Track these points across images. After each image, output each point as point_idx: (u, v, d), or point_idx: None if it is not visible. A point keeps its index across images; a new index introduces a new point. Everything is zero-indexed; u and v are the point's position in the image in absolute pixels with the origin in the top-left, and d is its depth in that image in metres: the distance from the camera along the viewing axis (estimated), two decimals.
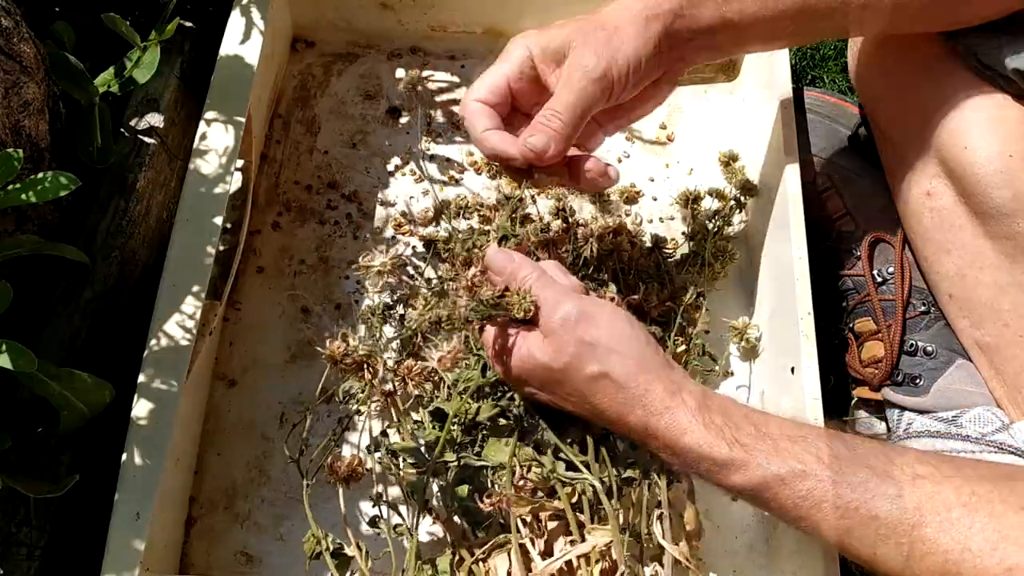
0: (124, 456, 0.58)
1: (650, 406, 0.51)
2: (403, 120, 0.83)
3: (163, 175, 0.73)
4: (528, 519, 0.57)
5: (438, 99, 0.84)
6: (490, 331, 0.56)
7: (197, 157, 0.68)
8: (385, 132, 0.83)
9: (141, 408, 0.59)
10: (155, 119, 0.72)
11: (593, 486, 0.55)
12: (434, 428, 0.61)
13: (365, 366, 0.60)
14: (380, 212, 0.78)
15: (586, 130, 0.59)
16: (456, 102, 0.84)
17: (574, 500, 0.56)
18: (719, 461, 0.50)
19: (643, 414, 0.51)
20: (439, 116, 0.84)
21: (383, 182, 0.80)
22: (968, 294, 0.71)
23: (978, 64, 0.67)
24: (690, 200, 0.74)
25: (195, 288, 0.63)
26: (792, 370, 0.65)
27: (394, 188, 0.80)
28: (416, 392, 0.61)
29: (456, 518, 0.62)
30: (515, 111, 0.61)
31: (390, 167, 0.81)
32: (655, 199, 0.80)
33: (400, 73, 0.85)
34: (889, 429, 0.75)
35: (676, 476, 0.58)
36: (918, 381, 0.73)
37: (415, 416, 0.64)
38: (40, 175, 0.54)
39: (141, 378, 0.60)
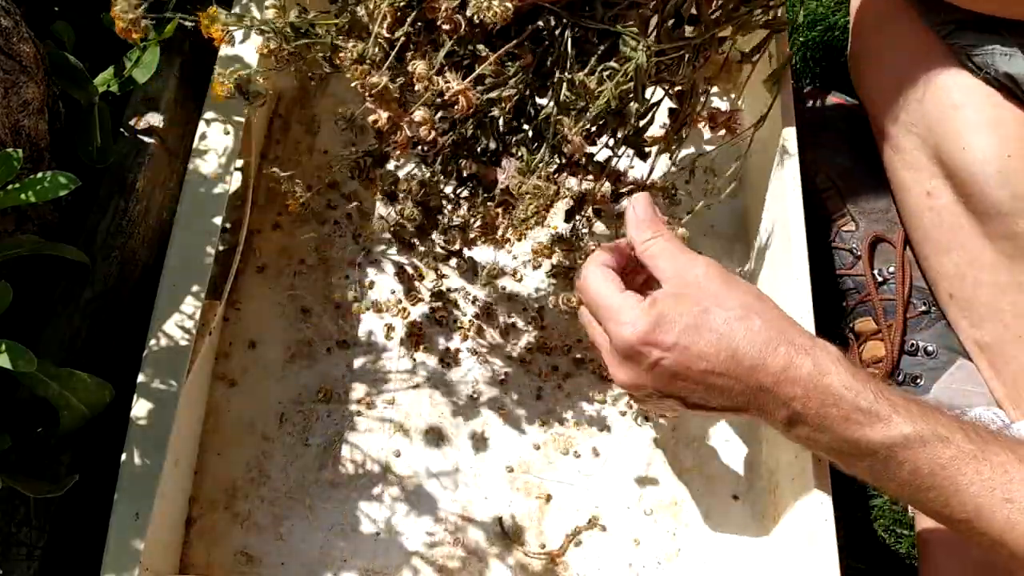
0: (124, 456, 0.58)
1: (795, 342, 0.49)
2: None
3: (163, 175, 0.73)
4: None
5: None
6: (606, 284, 0.53)
7: (197, 157, 0.68)
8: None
9: (141, 408, 0.59)
10: (155, 119, 0.72)
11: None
12: None
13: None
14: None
15: None
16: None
17: None
18: (863, 408, 0.48)
19: (787, 352, 0.49)
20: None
21: None
22: (968, 294, 0.71)
23: (972, 66, 0.67)
24: None
25: (195, 288, 0.63)
26: None
27: None
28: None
29: None
30: None
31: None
32: None
33: None
34: None
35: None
36: (919, 381, 0.74)
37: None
38: (40, 175, 0.54)
39: (141, 378, 0.60)
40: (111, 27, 0.67)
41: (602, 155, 0.62)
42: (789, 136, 0.69)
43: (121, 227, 0.68)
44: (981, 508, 0.47)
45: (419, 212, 0.59)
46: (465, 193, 0.61)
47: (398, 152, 0.56)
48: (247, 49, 0.72)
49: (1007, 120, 0.67)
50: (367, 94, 0.53)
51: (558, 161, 0.59)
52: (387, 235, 0.59)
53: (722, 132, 0.63)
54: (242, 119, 0.69)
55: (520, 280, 0.75)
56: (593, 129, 0.60)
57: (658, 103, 0.63)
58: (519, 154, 0.56)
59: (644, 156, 0.64)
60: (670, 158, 0.65)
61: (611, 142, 0.61)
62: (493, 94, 0.55)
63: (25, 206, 0.59)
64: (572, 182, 0.63)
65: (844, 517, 0.62)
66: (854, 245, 0.79)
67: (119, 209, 0.69)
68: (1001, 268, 0.69)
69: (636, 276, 0.58)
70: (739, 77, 0.71)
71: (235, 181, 0.72)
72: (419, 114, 0.53)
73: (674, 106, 0.64)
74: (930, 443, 0.47)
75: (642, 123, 0.62)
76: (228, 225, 0.72)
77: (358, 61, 0.54)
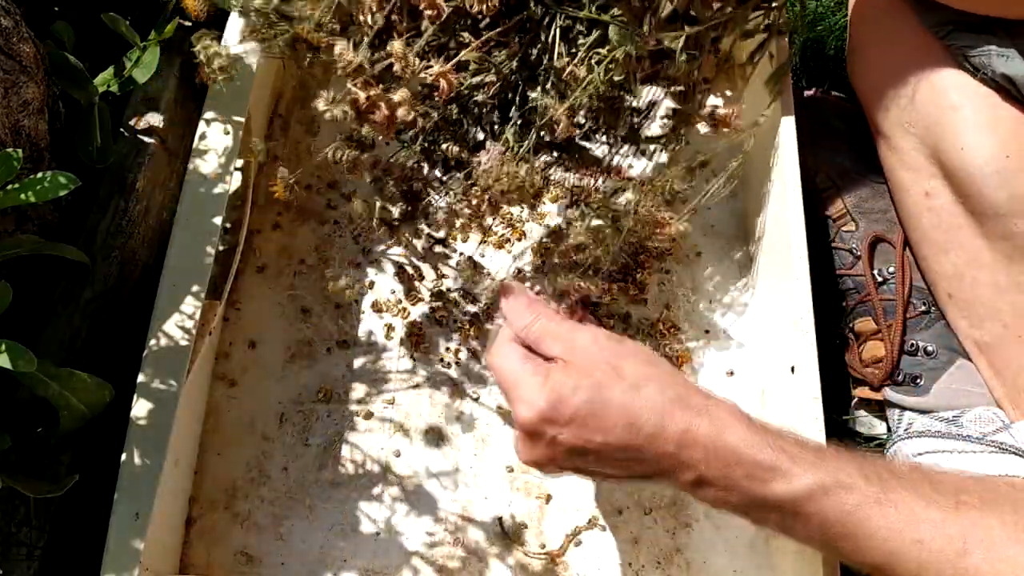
0: (124, 456, 0.58)
1: (692, 404, 0.49)
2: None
3: (163, 175, 0.73)
4: None
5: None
6: (508, 360, 0.52)
7: (197, 157, 0.68)
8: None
9: (141, 408, 0.59)
10: (155, 119, 0.72)
11: None
12: None
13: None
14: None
15: None
16: None
17: None
18: (763, 464, 0.47)
19: (683, 415, 0.48)
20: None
21: None
22: (967, 294, 0.71)
23: (970, 66, 0.67)
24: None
25: (195, 288, 0.63)
26: (792, 369, 0.65)
27: None
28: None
29: None
30: None
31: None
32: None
33: None
34: (889, 429, 0.75)
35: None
36: (919, 381, 0.74)
37: None
38: (40, 175, 0.54)
39: (141, 378, 0.60)
40: (111, 27, 0.67)
41: (602, 153, 0.62)
42: (789, 136, 0.69)
43: (121, 227, 0.68)
44: (893, 553, 0.46)
45: (401, 196, 0.59)
46: (447, 178, 0.60)
47: (381, 137, 0.56)
48: (247, 48, 0.72)
49: (1005, 121, 0.67)
50: (346, 74, 0.53)
51: (551, 152, 0.59)
52: (374, 221, 0.59)
53: (725, 130, 0.63)
54: (242, 119, 0.69)
55: (521, 280, 0.75)
56: (587, 124, 0.60)
57: (657, 103, 0.63)
58: (503, 139, 0.56)
59: (644, 153, 0.64)
60: (668, 158, 0.65)
61: (609, 139, 0.61)
62: (476, 79, 0.55)
63: (25, 206, 0.59)
64: (570, 178, 0.63)
65: None
66: (854, 245, 0.79)
67: (119, 209, 0.69)
68: (1000, 268, 0.69)
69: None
70: (740, 76, 0.70)
71: (235, 181, 0.72)
72: (399, 95, 0.53)
73: (674, 105, 0.64)
74: (832, 492, 0.47)
75: (639, 120, 0.62)
76: (228, 225, 0.72)
77: (335, 37, 0.54)
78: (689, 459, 0.48)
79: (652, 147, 0.64)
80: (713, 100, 0.68)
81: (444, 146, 0.57)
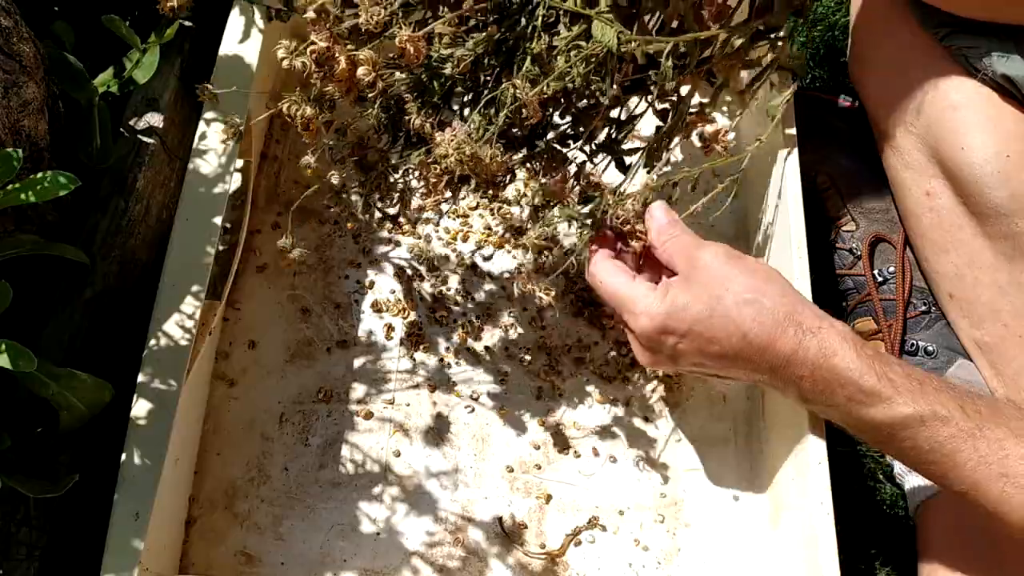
0: (124, 456, 0.58)
1: (804, 323, 0.51)
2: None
3: (163, 175, 0.73)
4: None
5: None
6: (617, 277, 0.55)
7: (197, 157, 0.68)
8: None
9: (141, 408, 0.59)
10: (155, 119, 0.72)
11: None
12: None
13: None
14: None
15: None
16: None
17: None
18: (865, 389, 0.50)
19: (795, 333, 0.51)
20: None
21: None
22: (967, 294, 0.71)
23: (970, 67, 0.67)
24: None
25: (195, 288, 0.63)
26: None
27: None
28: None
29: None
30: None
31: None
32: None
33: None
34: None
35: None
36: None
37: None
38: (40, 175, 0.54)
39: (141, 378, 0.60)
40: (111, 29, 0.67)
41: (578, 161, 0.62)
42: (789, 136, 0.69)
43: (121, 227, 0.68)
44: (978, 483, 0.49)
45: (355, 165, 0.59)
46: (406, 154, 0.59)
47: (338, 95, 0.55)
48: (247, 48, 0.72)
49: (1005, 121, 0.67)
50: (311, 23, 0.52)
51: (522, 148, 0.58)
52: (326, 190, 0.58)
53: (717, 148, 0.63)
54: (242, 119, 0.69)
55: (522, 279, 0.75)
56: (564, 127, 0.60)
57: (639, 115, 0.62)
58: (470, 119, 0.55)
59: (622, 166, 0.63)
60: (648, 173, 0.65)
61: (586, 147, 0.61)
62: (448, 51, 0.54)
63: (25, 206, 0.59)
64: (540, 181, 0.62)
65: (844, 517, 0.62)
66: (854, 245, 0.79)
67: (119, 209, 0.69)
68: (1001, 268, 0.69)
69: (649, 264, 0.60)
70: (738, 103, 0.70)
71: (235, 181, 0.72)
72: (364, 53, 0.52)
73: (657, 123, 0.64)
74: (929, 423, 0.50)
75: (618, 134, 0.62)
76: (228, 225, 0.72)
77: None
78: (795, 375, 0.51)
79: (632, 158, 0.63)
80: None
81: (407, 117, 0.56)
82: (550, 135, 0.61)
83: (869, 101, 0.78)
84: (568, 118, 0.61)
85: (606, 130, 0.63)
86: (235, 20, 0.73)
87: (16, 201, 0.53)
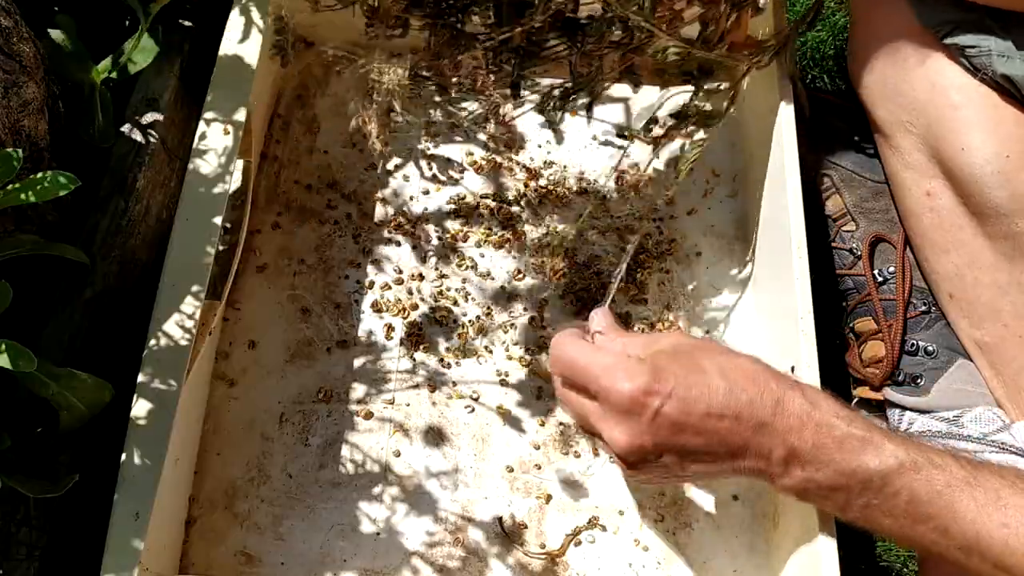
0: (124, 456, 0.58)
1: (784, 380, 0.51)
2: (403, 120, 0.83)
3: (163, 175, 0.73)
4: None
5: (437, 99, 0.84)
6: (589, 350, 0.55)
7: (197, 157, 0.68)
8: (385, 132, 0.83)
9: (141, 408, 0.59)
10: (155, 119, 0.72)
11: None
12: None
13: None
14: (380, 212, 0.78)
15: None
16: (456, 102, 0.84)
17: None
18: (855, 435, 0.48)
19: (779, 386, 0.50)
20: (438, 116, 0.84)
21: (383, 182, 0.80)
22: (968, 294, 0.71)
23: (970, 67, 0.67)
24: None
25: (195, 288, 0.63)
26: (792, 369, 0.65)
27: (394, 188, 0.80)
28: None
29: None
30: None
31: (390, 167, 0.81)
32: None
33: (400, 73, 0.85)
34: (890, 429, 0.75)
35: None
36: (919, 381, 0.74)
37: None
38: (40, 175, 0.54)
39: (141, 378, 0.60)
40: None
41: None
42: (789, 136, 0.69)
43: (121, 227, 0.68)
44: (980, 534, 0.47)
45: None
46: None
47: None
48: (247, 48, 0.72)
49: (1005, 121, 0.67)
50: None
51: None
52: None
53: (632, 194, 0.61)
54: (242, 119, 0.69)
55: (522, 279, 0.76)
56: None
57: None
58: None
59: (636, 83, 0.63)
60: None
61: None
62: None
63: (25, 206, 0.59)
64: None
65: None
66: (854, 245, 0.79)
67: (119, 209, 0.69)
68: (1001, 268, 0.69)
69: None
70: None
71: (235, 181, 0.72)
72: None
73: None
74: (924, 469, 0.48)
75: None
76: (228, 225, 0.72)
77: None
78: (783, 426, 0.49)
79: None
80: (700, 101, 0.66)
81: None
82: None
83: (868, 100, 0.78)
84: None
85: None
86: (235, 20, 0.73)
87: (16, 201, 0.53)
